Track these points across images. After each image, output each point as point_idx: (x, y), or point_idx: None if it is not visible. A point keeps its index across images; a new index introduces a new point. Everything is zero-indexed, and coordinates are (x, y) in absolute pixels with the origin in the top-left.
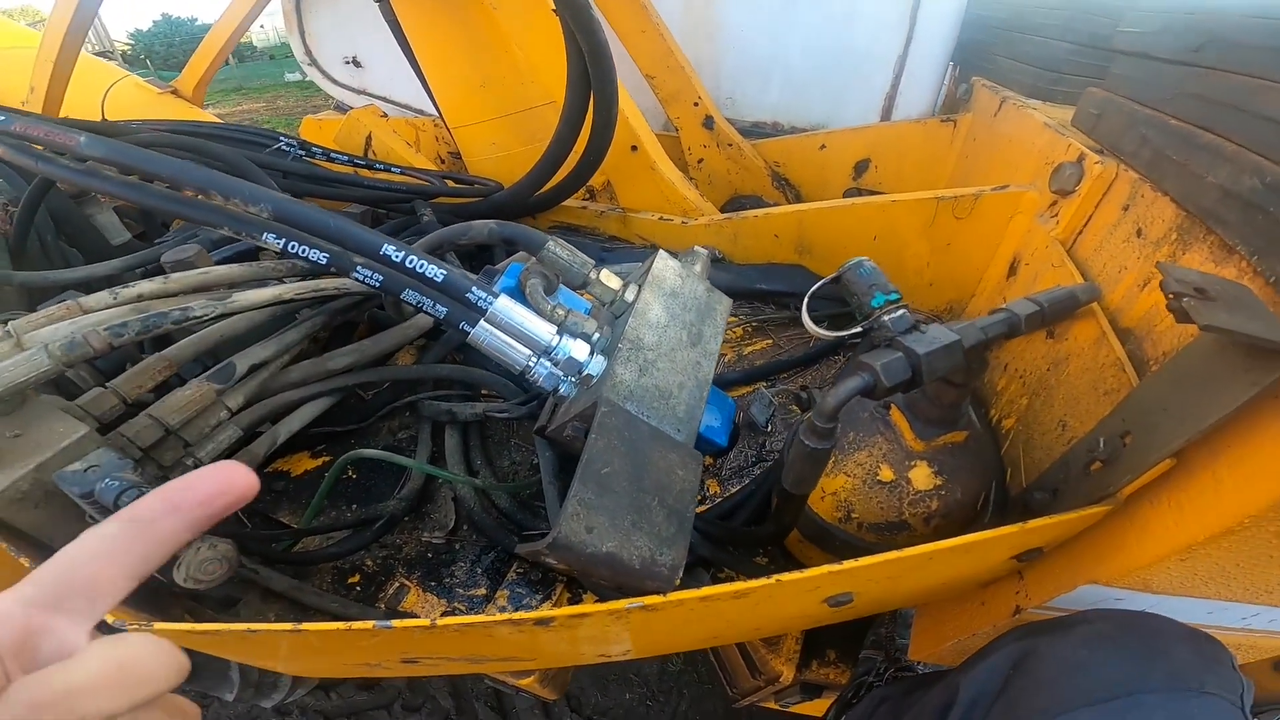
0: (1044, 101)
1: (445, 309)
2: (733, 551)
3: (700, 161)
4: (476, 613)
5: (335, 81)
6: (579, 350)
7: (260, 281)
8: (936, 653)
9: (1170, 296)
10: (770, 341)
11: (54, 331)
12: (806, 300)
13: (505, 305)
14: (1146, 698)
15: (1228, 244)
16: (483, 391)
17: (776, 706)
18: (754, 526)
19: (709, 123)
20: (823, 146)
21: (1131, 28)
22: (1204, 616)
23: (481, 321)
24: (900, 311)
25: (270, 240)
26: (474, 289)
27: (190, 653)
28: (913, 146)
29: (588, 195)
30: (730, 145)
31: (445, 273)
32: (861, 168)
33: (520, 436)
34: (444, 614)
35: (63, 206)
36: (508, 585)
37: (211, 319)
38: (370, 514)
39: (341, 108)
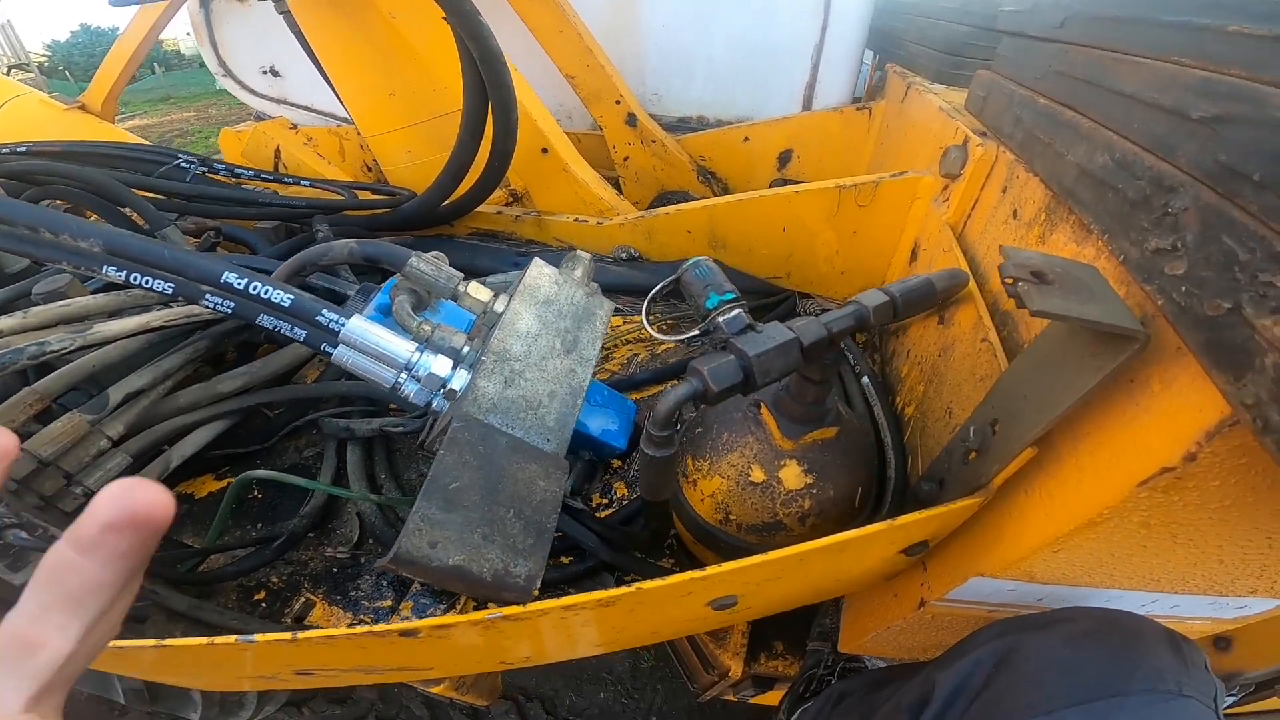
0: (947, 86)
1: (304, 332)
2: (636, 556)
3: (626, 159)
4: (384, 623)
5: (253, 92)
6: (440, 366)
7: (142, 308)
8: (861, 644)
9: (1008, 282)
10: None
11: None
12: (645, 303)
13: (357, 325)
14: (1129, 699)
15: (1085, 224)
16: (391, 406)
17: (735, 699)
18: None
19: (632, 120)
20: (746, 139)
21: (1010, 6)
22: (1101, 604)
23: (340, 343)
24: (735, 312)
25: (111, 273)
26: (323, 312)
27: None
28: (832, 135)
29: (511, 199)
30: (654, 142)
31: (292, 298)
32: (785, 158)
33: (421, 451)
34: (350, 625)
35: None
36: (412, 596)
37: (71, 352)
38: (272, 532)
39: (262, 118)
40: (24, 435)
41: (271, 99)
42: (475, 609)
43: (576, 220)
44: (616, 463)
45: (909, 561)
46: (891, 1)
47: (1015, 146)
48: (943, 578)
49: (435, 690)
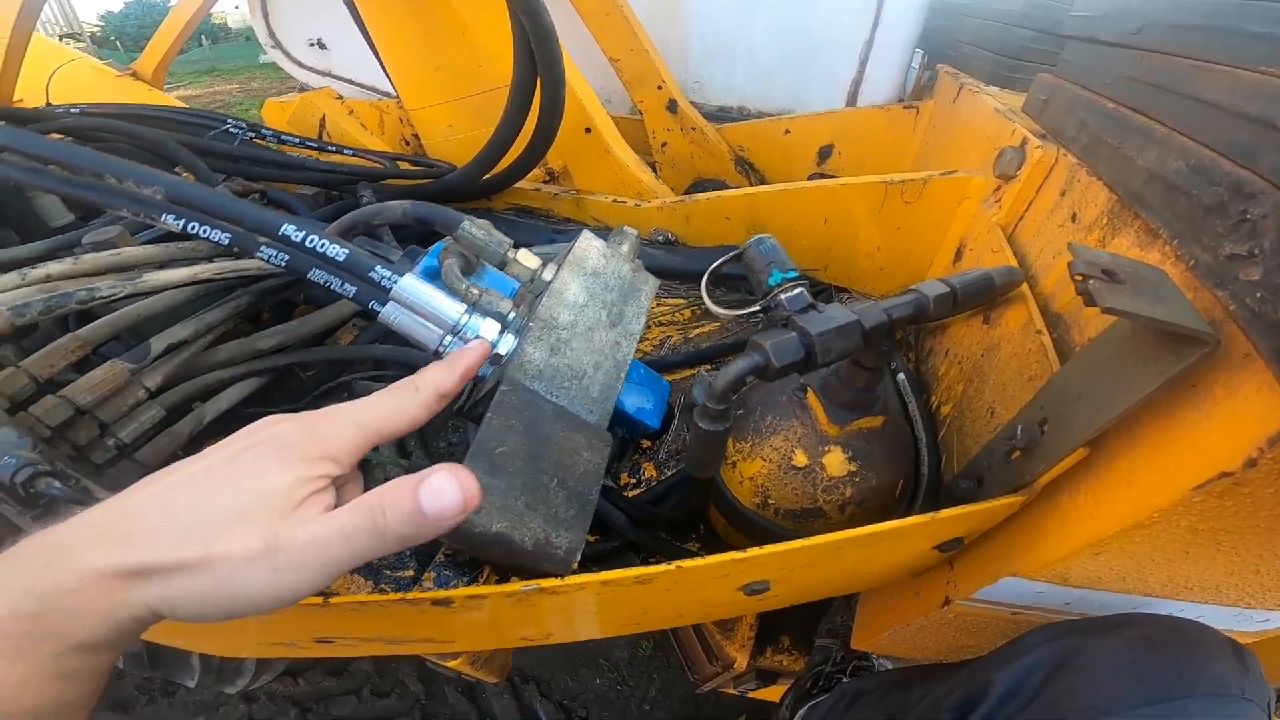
0: (1002, 89)
1: (354, 289)
2: (663, 537)
3: (664, 145)
4: (405, 594)
5: (299, 64)
6: (488, 329)
7: (187, 261)
8: (877, 641)
9: (1078, 279)
10: (719, 324)
11: None
12: (706, 276)
13: (410, 284)
14: (1194, 702)
15: (1152, 228)
16: None
17: (735, 692)
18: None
19: (673, 106)
20: (787, 131)
21: (1080, 11)
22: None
23: (390, 301)
24: (797, 290)
25: (169, 221)
26: (377, 268)
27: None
28: (876, 132)
29: (548, 178)
30: (694, 129)
31: (348, 252)
32: (825, 153)
33: (458, 417)
34: (371, 594)
35: (2, 190)
36: (435, 567)
37: (120, 299)
38: None
39: (306, 90)
40: (62, 383)
41: (317, 71)
42: (498, 583)
43: (615, 201)
44: (646, 443)
45: (938, 559)
46: (945, 2)
47: (1078, 150)
48: (971, 576)
49: (450, 665)
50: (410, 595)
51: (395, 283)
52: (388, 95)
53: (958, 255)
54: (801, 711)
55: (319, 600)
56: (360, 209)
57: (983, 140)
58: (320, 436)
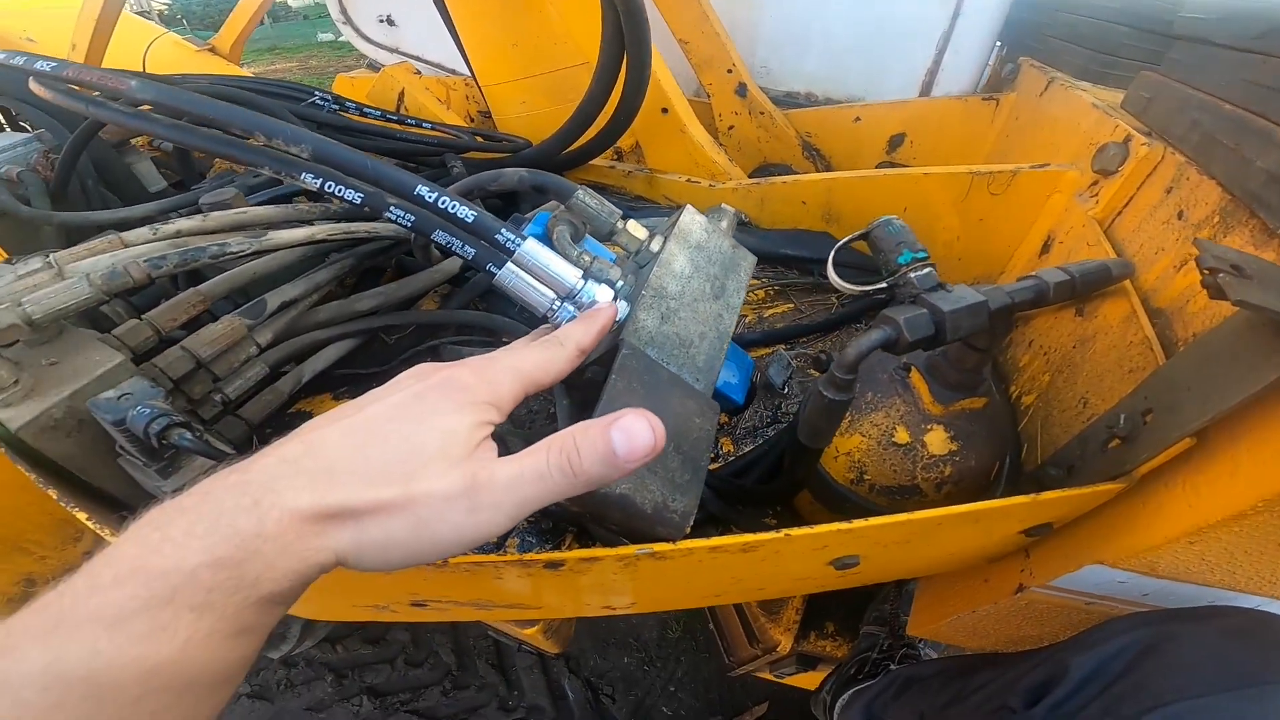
0: (1093, 84)
1: (474, 250)
2: (743, 510)
3: (730, 128)
4: (522, 555)
5: (369, 40)
6: (603, 294)
7: (295, 223)
8: (936, 628)
9: (1206, 271)
10: (792, 306)
11: (95, 263)
12: (833, 253)
13: (533, 248)
14: (1278, 688)
15: (1269, 227)
16: (504, 338)
17: (770, 677)
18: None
19: (742, 90)
20: (857, 119)
21: (1194, 13)
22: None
23: (509, 263)
24: (927, 270)
25: (308, 180)
26: (502, 230)
27: None
28: (951, 124)
29: (615, 156)
30: (762, 113)
31: (476, 214)
32: (896, 142)
33: None
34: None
35: (103, 154)
36: (518, 534)
37: (247, 255)
38: None
39: (375, 66)
40: (176, 339)
41: (386, 47)
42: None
43: (689, 181)
44: (724, 418)
45: (1020, 545)
46: None
47: (1189, 149)
48: (1051, 564)
49: (526, 632)
50: (528, 556)
51: (519, 246)
52: (454, 72)
53: (1045, 248)
54: (845, 697)
55: (438, 561)
56: (477, 175)
57: (1078, 135)
58: (489, 381)
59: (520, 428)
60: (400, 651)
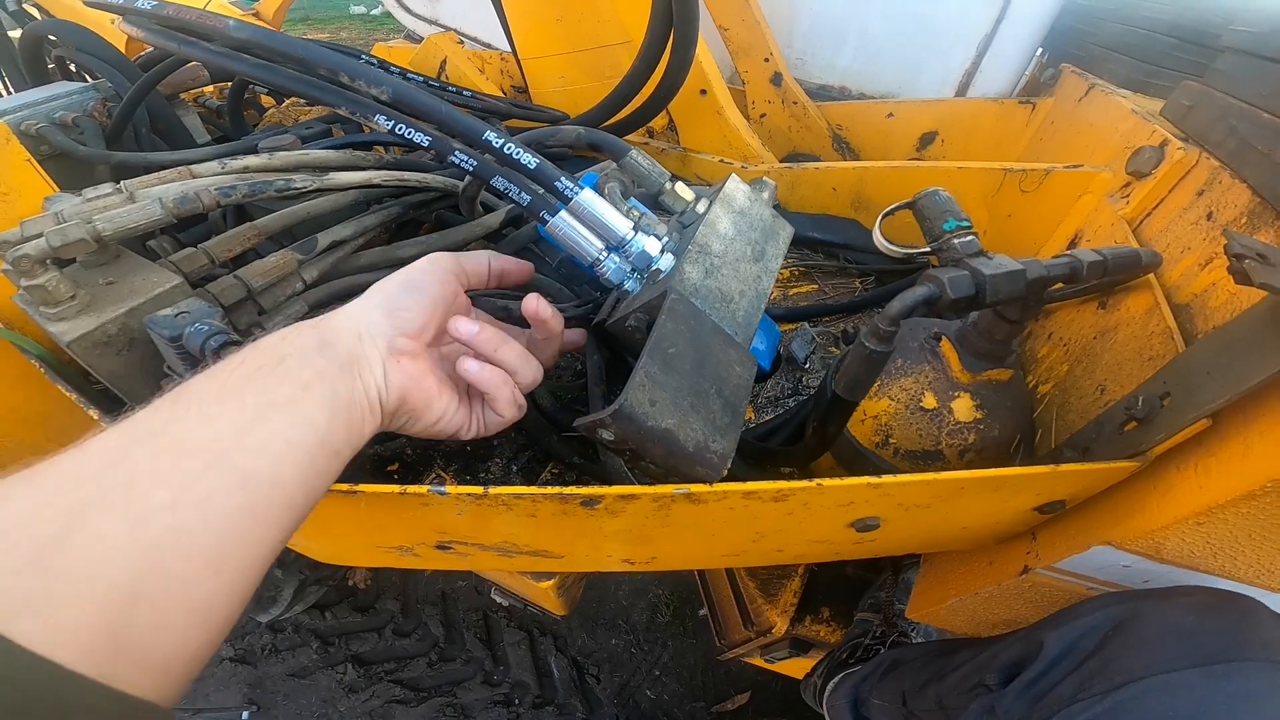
0: (1134, 92)
1: (529, 198)
2: (766, 472)
3: (763, 116)
4: (561, 489)
5: (409, 11)
6: (652, 245)
7: (353, 168)
8: (935, 611)
9: (1233, 258)
10: (816, 287)
11: (166, 189)
12: (880, 219)
13: (589, 197)
14: (1245, 665)
15: None
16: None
17: (760, 663)
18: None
19: (777, 79)
20: (890, 115)
21: (1245, 27)
22: None
23: (563, 210)
24: (969, 237)
25: (380, 121)
26: (562, 178)
27: None
28: (984, 125)
29: (647, 135)
30: (795, 103)
31: (538, 162)
32: (927, 139)
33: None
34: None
35: (156, 105)
36: (542, 483)
37: (310, 192)
38: None
39: (413, 37)
40: (219, 276)
41: (425, 19)
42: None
43: (722, 161)
44: None
45: (1030, 524)
46: (1079, 4)
47: (1224, 155)
48: (1057, 545)
49: (542, 585)
50: (568, 490)
51: (577, 194)
52: (490, 46)
53: (1072, 245)
54: (835, 680)
55: (479, 490)
56: (536, 130)
57: (1114, 139)
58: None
59: (549, 379)
60: (389, 621)
